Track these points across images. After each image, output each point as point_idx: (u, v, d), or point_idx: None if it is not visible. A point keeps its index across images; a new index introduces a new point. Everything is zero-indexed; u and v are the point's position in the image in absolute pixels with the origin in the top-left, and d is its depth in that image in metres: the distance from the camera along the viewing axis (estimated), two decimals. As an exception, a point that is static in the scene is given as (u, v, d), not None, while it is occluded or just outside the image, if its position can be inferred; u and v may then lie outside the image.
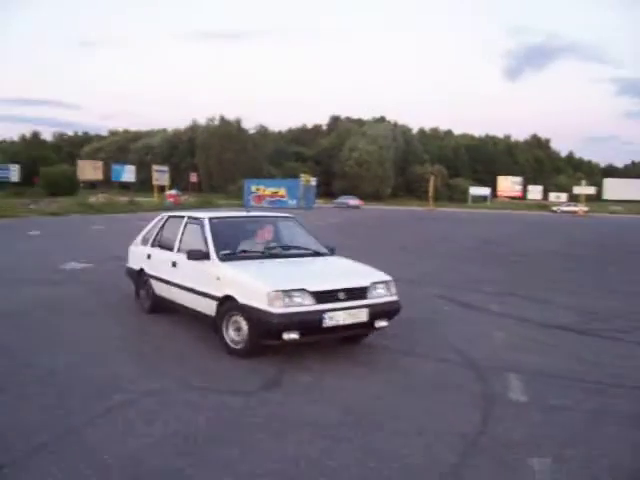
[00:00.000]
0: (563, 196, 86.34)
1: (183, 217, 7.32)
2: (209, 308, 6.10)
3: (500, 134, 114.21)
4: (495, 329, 7.22)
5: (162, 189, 51.90)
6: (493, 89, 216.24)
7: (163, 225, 7.76)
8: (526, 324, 7.60)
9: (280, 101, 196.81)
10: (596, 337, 7.02)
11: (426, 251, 16.99)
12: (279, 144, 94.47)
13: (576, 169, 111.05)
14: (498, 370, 5.55)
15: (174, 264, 6.87)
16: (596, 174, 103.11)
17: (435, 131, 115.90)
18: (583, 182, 71.52)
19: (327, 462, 3.59)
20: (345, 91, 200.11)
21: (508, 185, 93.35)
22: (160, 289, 7.29)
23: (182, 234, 7.04)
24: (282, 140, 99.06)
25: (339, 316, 5.50)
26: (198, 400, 4.58)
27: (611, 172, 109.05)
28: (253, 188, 57.95)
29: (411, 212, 51.60)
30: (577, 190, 74.35)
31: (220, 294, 5.90)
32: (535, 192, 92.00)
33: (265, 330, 5.41)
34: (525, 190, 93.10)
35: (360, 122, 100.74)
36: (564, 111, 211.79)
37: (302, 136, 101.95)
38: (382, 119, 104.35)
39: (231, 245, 6.50)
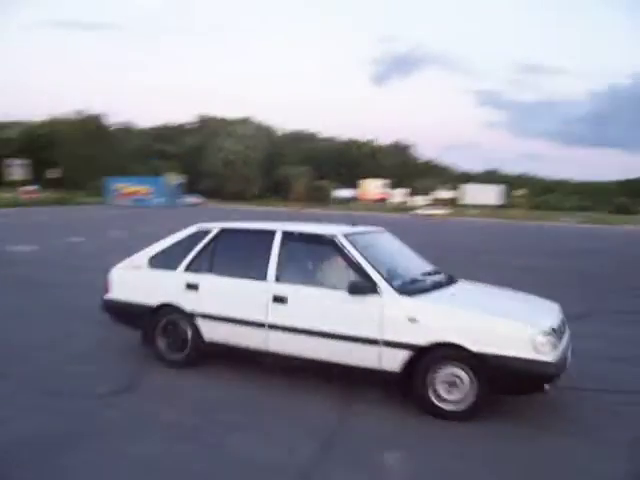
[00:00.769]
0: (424, 200, 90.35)
1: (271, 232, 5.43)
2: (389, 361, 4.66)
3: (365, 138, 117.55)
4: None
5: (22, 184, 48.96)
6: (360, 94, 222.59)
7: (214, 242, 5.68)
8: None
9: (147, 98, 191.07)
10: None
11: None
12: (144, 141, 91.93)
13: (437, 174, 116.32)
14: None
15: (280, 299, 5.07)
16: (455, 179, 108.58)
17: (302, 133, 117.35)
18: (443, 187, 75.51)
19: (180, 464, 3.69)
20: (213, 90, 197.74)
21: (372, 188, 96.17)
22: (221, 333, 5.42)
23: (279, 255, 5.26)
24: (148, 137, 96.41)
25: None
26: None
27: (469, 178, 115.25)
28: (116, 186, 56.12)
29: (275, 214, 51.81)
30: (437, 194, 78.20)
31: (421, 341, 4.52)
32: (397, 195, 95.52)
33: (524, 382, 4.42)
34: (388, 193, 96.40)
35: (227, 122, 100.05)
36: (428, 118, 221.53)
37: (169, 134, 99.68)
38: (249, 119, 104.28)
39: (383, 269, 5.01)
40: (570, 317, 5.66)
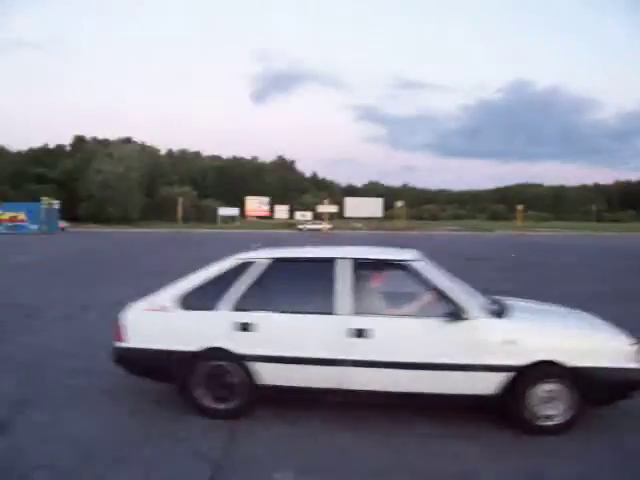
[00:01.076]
0: (308, 214, 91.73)
1: (331, 260, 4.97)
2: (486, 384, 4.56)
3: (248, 156, 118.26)
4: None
5: None
6: (242, 111, 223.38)
7: (265, 274, 5.06)
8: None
9: (21, 119, 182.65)
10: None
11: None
12: (19, 165, 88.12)
13: (320, 189, 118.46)
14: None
15: (359, 333, 4.65)
16: (338, 193, 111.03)
17: (184, 152, 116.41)
18: (326, 201, 77.28)
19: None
20: (90, 111, 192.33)
21: (256, 205, 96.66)
22: (280, 376, 4.85)
23: (352, 284, 4.83)
24: (22, 161, 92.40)
25: None
26: None
27: (352, 191, 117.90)
28: (-13, 212, 53.60)
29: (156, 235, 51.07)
30: (321, 208, 79.74)
31: (521, 362, 4.50)
32: (281, 211, 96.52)
33: (617, 391, 4.61)
34: (272, 210, 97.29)
35: (106, 143, 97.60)
36: (309, 134, 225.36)
37: (44, 157, 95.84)
38: (129, 140, 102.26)
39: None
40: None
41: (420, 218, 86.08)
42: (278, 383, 4.83)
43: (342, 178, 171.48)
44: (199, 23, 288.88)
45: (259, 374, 4.81)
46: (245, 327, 4.84)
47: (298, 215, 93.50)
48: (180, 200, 66.29)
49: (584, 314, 5.51)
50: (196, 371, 4.90)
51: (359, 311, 4.73)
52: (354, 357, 4.63)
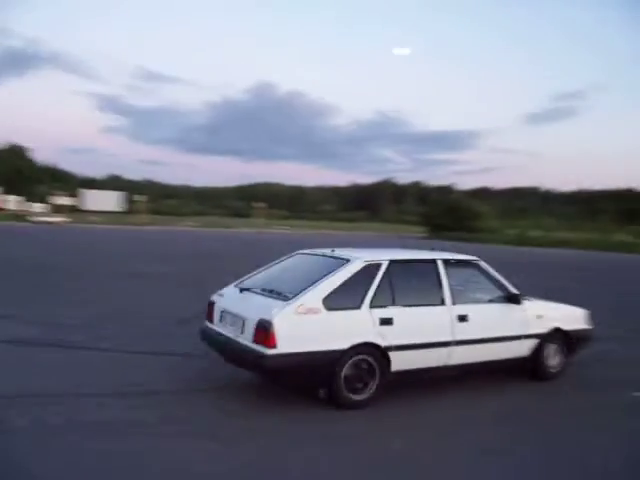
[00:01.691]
0: (42, 206, 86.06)
1: (433, 260, 6.44)
2: (526, 349, 6.81)
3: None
4: None
5: None
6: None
7: (387, 275, 5.92)
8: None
9: None
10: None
11: None
12: None
13: (57, 179, 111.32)
14: None
15: (462, 318, 6.21)
16: (76, 185, 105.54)
17: None
18: (62, 193, 73.07)
19: None
20: None
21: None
22: (408, 361, 5.91)
23: (448, 279, 6.29)
24: None
25: None
26: None
27: (91, 184, 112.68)
28: None
29: None
30: (57, 200, 75.34)
31: (545, 330, 6.92)
32: (14, 202, 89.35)
33: (585, 343, 7.40)
34: (2, 200, 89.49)
35: None
36: (45, 121, 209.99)
37: None
38: None
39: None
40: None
41: (162, 213, 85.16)
42: (405, 368, 5.86)
43: (82, 169, 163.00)
44: None
45: (394, 362, 5.75)
46: (386, 322, 5.70)
47: (32, 207, 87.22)
48: None
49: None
50: (342, 367, 5.48)
51: (456, 301, 6.22)
52: (458, 338, 6.10)
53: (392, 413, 5.70)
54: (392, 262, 6.05)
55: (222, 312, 6.21)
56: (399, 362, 5.78)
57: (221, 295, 6.55)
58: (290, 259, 6.88)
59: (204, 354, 6.95)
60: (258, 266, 7.08)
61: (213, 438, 4.87)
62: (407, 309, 5.89)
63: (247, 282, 6.58)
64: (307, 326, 5.41)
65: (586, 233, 61.96)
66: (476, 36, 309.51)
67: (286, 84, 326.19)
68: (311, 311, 5.39)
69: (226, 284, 6.83)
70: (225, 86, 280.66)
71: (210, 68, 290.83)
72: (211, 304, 6.52)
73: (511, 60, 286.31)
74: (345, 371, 5.52)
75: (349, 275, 5.74)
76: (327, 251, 6.41)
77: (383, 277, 5.87)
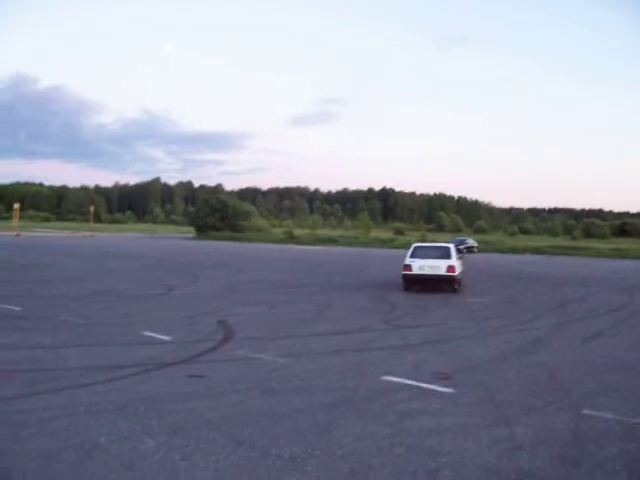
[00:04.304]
0: None
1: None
2: None
3: None
4: None
5: None
6: None
7: None
8: None
9: None
10: None
11: None
12: None
13: None
14: None
15: None
16: None
17: None
18: None
19: None
20: None
21: None
22: None
23: None
24: None
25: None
26: None
27: None
28: None
29: None
30: None
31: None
32: None
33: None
34: None
35: None
36: None
37: None
38: None
39: None
40: None
41: None
42: None
43: None
44: None
45: None
46: None
47: None
48: None
49: None
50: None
51: None
52: None
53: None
54: None
55: (420, 266, 15.91)
56: None
57: (413, 261, 16.00)
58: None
59: None
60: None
61: None
62: None
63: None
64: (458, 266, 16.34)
65: (349, 230, 67.03)
66: (248, 39, 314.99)
67: (47, 78, 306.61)
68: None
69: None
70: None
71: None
72: (408, 265, 15.95)
73: (281, 64, 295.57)
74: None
75: None
76: None
77: None
